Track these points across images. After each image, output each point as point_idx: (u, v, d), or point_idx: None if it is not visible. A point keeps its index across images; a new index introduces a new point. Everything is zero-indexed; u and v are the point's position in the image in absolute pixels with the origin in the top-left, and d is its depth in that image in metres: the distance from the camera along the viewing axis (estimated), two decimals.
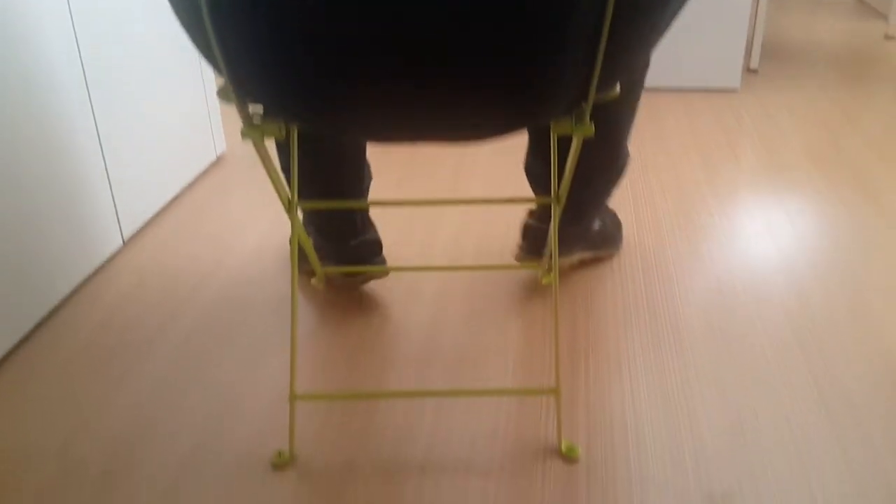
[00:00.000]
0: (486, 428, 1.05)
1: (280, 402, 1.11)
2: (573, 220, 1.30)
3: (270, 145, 1.55)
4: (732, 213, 1.62)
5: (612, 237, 1.43)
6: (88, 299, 1.36)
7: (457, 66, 0.73)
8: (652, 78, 2.38)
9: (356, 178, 1.25)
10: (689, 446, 1.01)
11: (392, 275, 1.41)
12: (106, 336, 1.26)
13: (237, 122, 2.16)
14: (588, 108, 0.83)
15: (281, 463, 1.00)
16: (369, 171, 1.30)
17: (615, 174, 1.29)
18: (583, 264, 1.43)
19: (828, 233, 1.54)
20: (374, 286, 1.37)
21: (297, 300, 1.17)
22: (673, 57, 2.34)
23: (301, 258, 1.40)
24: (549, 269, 1.33)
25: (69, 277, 1.35)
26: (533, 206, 1.37)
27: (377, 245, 1.29)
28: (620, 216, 1.61)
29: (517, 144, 1.96)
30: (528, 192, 1.70)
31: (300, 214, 1.40)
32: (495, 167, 1.86)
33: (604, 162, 1.26)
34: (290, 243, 1.43)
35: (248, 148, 1.99)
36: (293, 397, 0.99)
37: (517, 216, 1.61)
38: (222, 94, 0.86)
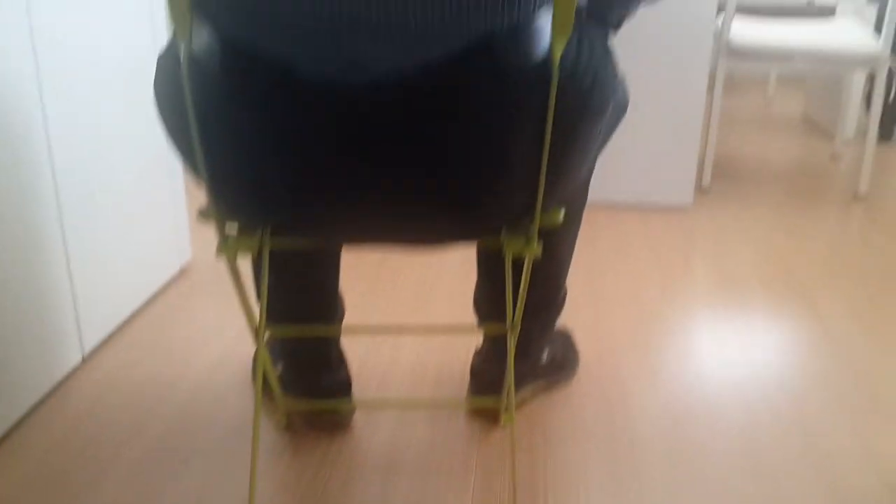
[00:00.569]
0: None
1: None
2: (521, 356, 1.34)
3: (244, 267, 1.55)
4: (687, 333, 1.67)
5: (565, 363, 1.47)
6: (45, 419, 1.35)
7: (411, 184, 0.83)
8: (609, 193, 2.46)
9: (330, 311, 1.28)
10: None
11: (354, 398, 1.42)
12: (60, 458, 1.25)
13: (204, 232, 2.19)
14: (536, 224, 0.92)
15: None
16: (342, 305, 1.33)
17: (557, 307, 1.36)
18: (540, 393, 1.45)
19: (775, 354, 1.59)
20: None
21: (259, 437, 1.17)
22: (628, 174, 2.43)
23: (265, 381, 1.41)
24: (507, 408, 1.36)
25: (28, 395, 1.34)
26: (479, 343, 1.41)
27: (347, 385, 1.31)
28: (577, 335, 1.65)
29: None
30: None
31: (270, 347, 1.41)
32: (459, 280, 1.89)
33: (548, 294, 1.32)
34: (254, 374, 1.44)
35: (214, 258, 2.01)
36: None
37: (477, 337, 1.64)
38: (202, 214, 0.94)
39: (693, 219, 2.36)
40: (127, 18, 1.60)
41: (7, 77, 1.25)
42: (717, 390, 1.47)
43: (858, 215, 2.41)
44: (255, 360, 1.48)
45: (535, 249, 0.92)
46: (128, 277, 1.65)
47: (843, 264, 2.05)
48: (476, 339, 1.64)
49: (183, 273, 1.92)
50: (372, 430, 1.33)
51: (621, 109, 0.98)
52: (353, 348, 1.58)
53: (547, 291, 1.32)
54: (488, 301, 1.32)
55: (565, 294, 1.38)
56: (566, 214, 1.23)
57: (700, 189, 2.63)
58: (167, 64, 0.88)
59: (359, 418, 1.36)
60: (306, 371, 1.29)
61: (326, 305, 1.28)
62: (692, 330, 1.69)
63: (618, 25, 1.05)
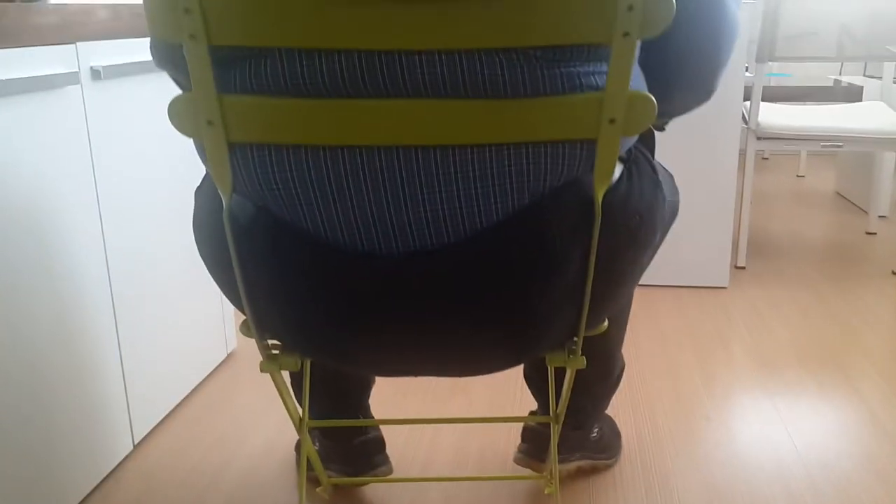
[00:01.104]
0: None
1: None
2: (573, 426, 1.36)
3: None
4: (727, 417, 1.67)
5: (611, 445, 1.47)
6: None
7: (454, 323, 0.82)
8: (647, 276, 2.49)
9: (365, 388, 1.32)
10: None
11: (398, 483, 1.44)
12: None
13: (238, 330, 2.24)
14: (579, 347, 0.91)
15: None
16: (373, 379, 1.36)
17: (612, 383, 1.36)
18: (583, 472, 1.46)
19: (817, 436, 1.58)
20: (379, 492, 1.40)
21: None
22: (665, 256, 2.46)
23: (308, 465, 1.43)
24: (551, 479, 1.37)
25: (81, 485, 1.38)
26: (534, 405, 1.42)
27: (381, 443, 1.34)
28: (619, 420, 1.66)
29: None
30: (529, 394, 1.75)
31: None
32: None
33: (600, 373, 1.33)
34: (299, 463, 1.47)
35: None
36: None
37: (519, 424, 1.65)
38: (244, 328, 0.94)
39: (729, 299, 2.37)
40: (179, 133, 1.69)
41: (67, 189, 1.33)
42: (758, 473, 1.46)
43: (895, 292, 2.41)
44: (296, 449, 1.51)
45: (580, 363, 0.92)
46: (176, 367, 1.71)
47: (883, 343, 2.04)
48: (518, 424, 1.65)
49: (228, 360, 1.98)
50: None
51: (672, 215, 0.98)
52: (396, 432, 1.61)
53: (598, 371, 1.32)
54: (539, 377, 1.34)
55: (622, 369, 1.37)
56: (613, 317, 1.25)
57: (735, 268, 2.65)
58: (203, 202, 0.89)
59: (403, 501, 1.38)
60: (337, 438, 1.32)
61: (359, 381, 1.31)
62: (732, 412, 1.69)
63: (662, 129, 1.07)
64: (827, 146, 2.54)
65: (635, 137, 0.86)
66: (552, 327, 0.86)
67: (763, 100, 3.69)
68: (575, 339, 0.91)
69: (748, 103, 2.62)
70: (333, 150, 0.75)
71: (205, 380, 1.87)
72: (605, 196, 0.80)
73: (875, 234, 3.04)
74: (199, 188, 0.93)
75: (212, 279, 1.84)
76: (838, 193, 3.71)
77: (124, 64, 1.46)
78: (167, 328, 1.66)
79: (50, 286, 1.28)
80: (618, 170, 0.84)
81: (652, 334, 2.11)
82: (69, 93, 1.32)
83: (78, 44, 1.34)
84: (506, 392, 1.79)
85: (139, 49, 1.53)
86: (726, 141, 2.36)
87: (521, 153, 0.74)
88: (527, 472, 1.44)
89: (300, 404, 1.16)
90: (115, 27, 1.44)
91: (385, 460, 1.36)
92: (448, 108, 0.72)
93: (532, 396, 1.44)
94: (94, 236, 1.40)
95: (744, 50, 2.32)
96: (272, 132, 0.75)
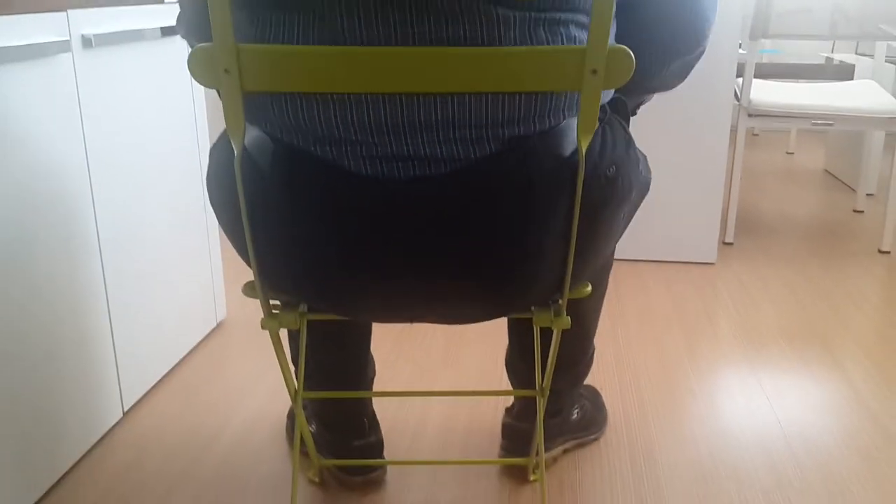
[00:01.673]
0: None
1: None
2: (552, 412, 1.38)
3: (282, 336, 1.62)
4: (712, 392, 1.69)
5: (593, 421, 1.50)
6: (88, 474, 1.39)
7: (447, 273, 0.89)
8: (635, 251, 2.50)
9: (361, 373, 1.33)
10: None
11: (385, 456, 1.45)
12: None
13: (238, 290, 2.25)
14: (564, 304, 0.97)
15: None
16: (374, 366, 1.37)
17: (585, 365, 1.40)
18: (569, 450, 1.48)
19: (800, 411, 1.60)
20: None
21: (297, 499, 1.20)
22: (654, 231, 2.47)
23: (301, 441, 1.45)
24: (537, 465, 1.39)
25: (71, 451, 1.39)
26: (510, 401, 1.45)
27: (379, 448, 1.35)
28: (604, 395, 1.68)
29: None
30: None
31: (304, 406, 1.45)
32: (489, 334, 1.93)
33: (576, 354, 1.36)
34: (290, 436, 1.48)
35: (248, 315, 2.07)
36: None
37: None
38: (248, 289, 0.99)
39: (717, 275, 2.39)
40: (169, 95, 1.68)
41: (58, 156, 1.33)
42: (742, 447, 1.49)
43: (882, 271, 2.43)
44: (288, 417, 1.52)
45: (564, 322, 0.97)
46: (166, 335, 1.71)
47: (868, 321, 2.07)
48: (505, 397, 1.67)
49: (219, 329, 1.98)
50: (404, 488, 1.36)
51: (644, 189, 1.04)
52: (384, 406, 1.62)
53: (574, 351, 1.36)
54: (520, 363, 1.36)
55: (593, 352, 1.41)
56: (593, 281, 1.28)
57: (723, 244, 2.67)
58: (219, 156, 0.94)
59: (391, 476, 1.39)
60: (338, 435, 1.33)
61: (358, 367, 1.33)
62: (717, 387, 1.72)
63: (634, 113, 1.11)
64: (818, 124, 2.55)
65: (608, 97, 0.95)
66: (537, 272, 0.91)
67: (755, 77, 3.69)
68: (560, 299, 0.97)
69: (740, 80, 2.62)
70: (342, 96, 0.82)
71: (195, 348, 1.87)
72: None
73: (862, 212, 3.07)
74: (214, 146, 0.98)
75: (202, 242, 1.84)
76: (827, 171, 3.73)
77: (115, 32, 1.45)
78: (157, 297, 1.66)
79: (39, 254, 1.28)
80: (595, 124, 0.89)
81: (639, 309, 2.13)
82: (60, 61, 1.31)
83: (69, 11, 1.33)
84: (495, 365, 1.81)
85: (130, 17, 1.52)
86: (718, 117, 2.36)
87: (513, 101, 0.83)
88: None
89: (296, 378, 1.17)
90: None
91: (381, 473, 1.37)
92: (448, 56, 0.78)
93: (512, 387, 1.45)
94: (84, 204, 1.40)
95: (737, 27, 2.31)
96: (284, 81, 0.80)
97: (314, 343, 1.28)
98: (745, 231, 2.82)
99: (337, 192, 0.86)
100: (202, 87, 1.86)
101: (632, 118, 1.11)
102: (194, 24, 1.01)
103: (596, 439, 1.51)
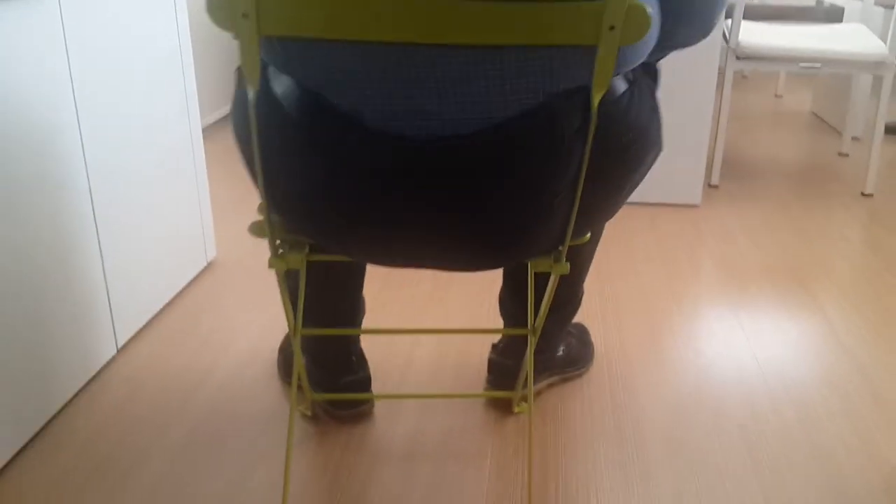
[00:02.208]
0: None
1: None
2: (538, 350, 1.42)
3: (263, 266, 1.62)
4: (693, 330, 1.73)
5: (579, 357, 1.54)
6: (83, 410, 1.43)
7: (456, 225, 0.91)
8: None
9: (353, 312, 1.36)
10: None
11: (374, 391, 1.49)
12: (99, 449, 1.33)
13: (228, 229, 2.26)
14: (564, 252, 0.99)
15: None
16: (363, 306, 1.40)
17: (574, 306, 1.43)
18: (553, 385, 1.52)
19: (779, 350, 1.65)
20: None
21: (294, 431, 1.25)
22: None
23: (290, 373, 1.48)
24: (522, 398, 1.43)
25: (67, 387, 1.42)
26: (497, 338, 1.48)
27: (367, 383, 1.39)
28: (591, 330, 1.72)
29: None
30: None
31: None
32: (474, 276, 1.97)
33: (566, 296, 1.40)
34: (281, 371, 1.52)
35: (238, 255, 2.09)
36: None
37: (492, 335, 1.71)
38: (255, 228, 1.02)
39: (701, 216, 2.42)
40: (156, 33, 1.67)
41: (45, 96, 1.33)
42: (721, 385, 1.53)
43: (864, 213, 2.47)
44: (280, 352, 1.55)
45: (563, 268, 1.00)
46: (158, 274, 1.73)
47: (848, 263, 2.11)
48: (492, 335, 1.71)
49: (209, 268, 2.00)
50: (394, 420, 1.41)
51: (658, 152, 1.05)
52: (374, 344, 1.66)
53: (565, 293, 1.39)
54: (512, 301, 1.39)
55: (582, 294, 1.45)
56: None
57: (708, 187, 2.69)
58: (242, 97, 0.96)
59: (381, 410, 1.44)
60: (329, 371, 1.37)
61: (349, 306, 1.36)
62: (698, 326, 1.76)
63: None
64: (806, 67, 2.56)
65: (641, 59, 0.93)
66: (546, 227, 0.93)
67: (744, 19, 3.67)
68: (560, 247, 0.99)
69: (729, 21, 2.61)
70: (368, 45, 0.83)
71: (186, 287, 1.90)
72: (606, 107, 0.88)
73: (847, 155, 3.09)
74: (237, 85, 0.99)
75: (192, 182, 1.85)
76: (814, 114, 3.74)
77: None
78: (147, 237, 1.68)
79: (28, 195, 1.29)
80: (623, 86, 0.91)
81: (623, 250, 2.16)
82: (45, 2, 1.30)
83: None
84: (481, 303, 1.84)
85: None
86: (705, 59, 2.36)
87: (535, 56, 0.83)
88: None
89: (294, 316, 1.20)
90: None
91: (369, 407, 1.41)
92: (471, 9, 0.79)
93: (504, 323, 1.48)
94: (73, 146, 1.40)
95: None
96: (301, 25, 0.81)
97: (308, 281, 1.30)
98: (730, 173, 2.84)
99: (357, 148, 0.86)
100: (188, 25, 1.84)
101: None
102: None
103: (580, 374, 1.55)
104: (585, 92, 0.86)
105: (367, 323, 1.75)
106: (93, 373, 1.50)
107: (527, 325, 1.38)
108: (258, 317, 1.77)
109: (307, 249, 1.07)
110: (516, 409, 1.43)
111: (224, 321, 1.74)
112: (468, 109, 0.84)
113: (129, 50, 1.56)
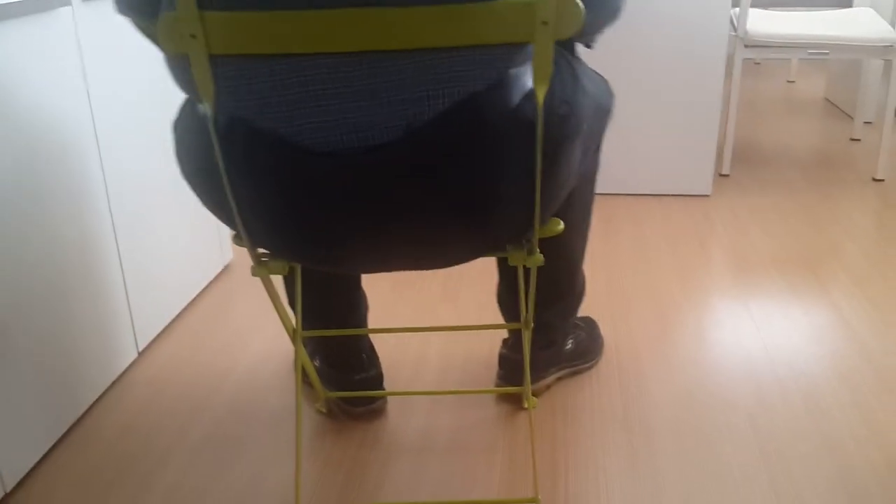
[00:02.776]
0: None
1: None
2: (544, 345, 1.45)
3: (277, 280, 1.68)
4: (702, 319, 1.76)
5: (588, 350, 1.56)
6: (107, 411, 1.48)
7: (416, 226, 0.93)
8: (629, 185, 2.54)
9: (354, 309, 1.39)
10: None
11: (387, 388, 1.53)
12: (121, 451, 1.37)
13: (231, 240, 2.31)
14: (535, 243, 1.02)
15: None
16: (365, 300, 1.44)
17: (575, 298, 1.46)
18: (562, 378, 1.55)
19: (788, 338, 1.67)
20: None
21: (303, 426, 1.28)
22: (646, 164, 2.51)
23: (305, 376, 1.53)
24: (533, 393, 1.46)
25: (91, 390, 1.47)
26: (507, 333, 1.52)
27: (379, 380, 1.43)
28: (600, 322, 1.74)
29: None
30: None
31: (306, 343, 1.53)
32: (485, 271, 2.00)
33: (563, 287, 1.42)
34: (295, 372, 1.56)
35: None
36: None
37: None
38: (236, 239, 1.04)
39: (712, 206, 2.44)
40: None
41: (62, 107, 1.37)
42: (730, 374, 1.56)
43: (875, 199, 2.47)
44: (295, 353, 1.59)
45: (538, 260, 1.02)
46: (175, 279, 1.78)
47: (859, 250, 2.12)
48: (503, 330, 1.74)
49: (225, 271, 2.05)
50: (405, 416, 1.44)
51: (603, 114, 1.07)
52: (385, 342, 1.70)
53: (561, 286, 1.41)
54: (508, 297, 1.43)
55: (583, 284, 1.47)
56: (575, 212, 1.32)
57: (719, 176, 2.70)
58: (183, 127, 0.97)
59: (392, 406, 1.47)
60: (340, 370, 1.41)
61: (347, 304, 1.39)
62: (708, 316, 1.78)
63: (590, 45, 1.14)
64: (814, 53, 2.56)
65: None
66: (507, 214, 0.95)
67: (751, 6, 3.66)
68: (531, 238, 1.02)
69: (736, 10, 2.61)
70: (296, 60, 0.84)
71: (203, 291, 1.94)
72: (532, 92, 0.89)
73: (859, 140, 3.09)
74: (175, 121, 1.01)
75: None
76: (827, 99, 3.73)
77: None
78: (165, 242, 1.72)
79: (48, 205, 1.34)
80: None
81: (632, 241, 2.19)
82: (61, 15, 1.34)
83: None
84: (491, 301, 1.87)
85: None
86: (713, 48, 2.37)
87: (462, 57, 0.84)
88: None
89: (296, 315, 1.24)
90: None
91: (382, 403, 1.45)
92: (401, 16, 0.81)
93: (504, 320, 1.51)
94: (91, 155, 1.45)
95: None
96: (249, 43, 0.84)
97: (307, 285, 1.34)
98: (741, 162, 2.85)
99: (296, 171, 0.88)
100: None
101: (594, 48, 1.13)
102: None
103: (590, 368, 1.58)
104: (506, 84, 0.87)
105: (378, 322, 1.78)
106: (116, 376, 1.55)
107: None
108: (274, 318, 1.81)
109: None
110: (526, 405, 1.46)
111: (241, 323, 1.79)
112: (399, 115, 0.86)
113: (143, 61, 1.61)
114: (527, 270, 1.38)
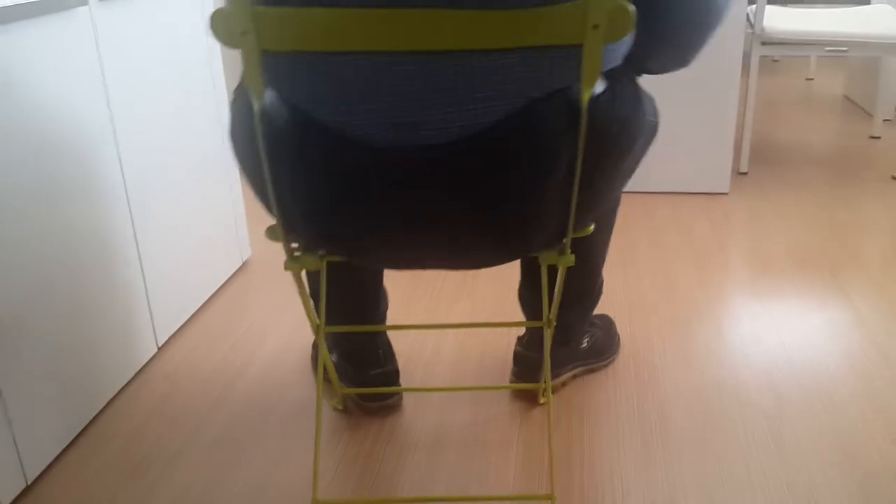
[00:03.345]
0: None
1: None
2: (561, 342, 1.45)
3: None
4: (719, 317, 1.75)
5: (604, 349, 1.56)
6: (127, 405, 1.49)
7: (458, 228, 0.94)
8: (647, 183, 2.54)
9: (375, 305, 1.40)
10: None
11: (402, 384, 1.54)
12: (140, 444, 1.39)
13: (263, 229, 2.32)
14: (567, 245, 1.03)
15: None
16: (386, 298, 1.45)
17: (594, 297, 1.46)
18: (578, 375, 1.55)
19: (805, 336, 1.66)
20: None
21: (321, 421, 1.29)
22: (664, 162, 2.50)
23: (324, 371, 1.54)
24: (546, 390, 1.47)
25: (110, 385, 1.49)
26: (523, 331, 1.52)
27: (395, 376, 1.44)
28: (617, 320, 1.74)
29: None
30: None
31: (325, 338, 1.54)
32: (499, 271, 2.00)
33: (585, 287, 1.43)
34: (317, 365, 1.57)
35: (271, 255, 2.15)
36: (315, 503, 1.12)
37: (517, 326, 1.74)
38: (270, 233, 1.05)
39: (729, 205, 2.43)
40: (186, 41, 1.73)
41: (81, 107, 1.39)
42: (746, 372, 1.55)
43: (894, 198, 2.45)
44: (313, 347, 1.61)
45: (569, 260, 1.03)
46: (194, 274, 1.79)
47: (877, 249, 2.10)
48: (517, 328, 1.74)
49: (243, 268, 2.06)
50: (421, 412, 1.45)
51: (650, 136, 1.08)
52: (401, 338, 1.70)
53: (582, 286, 1.42)
54: (530, 295, 1.43)
55: (601, 285, 1.47)
56: (599, 219, 1.33)
57: (737, 174, 2.69)
58: (239, 110, 0.99)
59: (408, 402, 1.48)
60: (357, 365, 1.42)
61: (371, 300, 1.40)
62: (724, 314, 1.77)
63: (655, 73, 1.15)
64: (832, 51, 2.54)
65: (620, 58, 0.96)
66: (543, 223, 0.96)
67: (768, 3, 3.64)
68: (564, 240, 1.02)
69: (753, 7, 2.60)
70: (357, 56, 0.85)
71: (222, 287, 1.96)
72: (590, 105, 0.90)
73: (879, 138, 3.06)
74: (233, 101, 1.02)
75: (225, 185, 1.90)
76: (846, 97, 3.70)
77: None
78: (184, 240, 1.74)
79: (68, 203, 1.35)
80: (603, 85, 0.94)
81: (650, 239, 2.18)
82: (78, 14, 1.36)
83: None
84: (507, 298, 1.87)
85: None
86: (730, 45, 2.36)
87: (520, 60, 0.85)
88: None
89: (318, 313, 1.25)
90: None
91: (398, 399, 1.46)
92: (457, 17, 0.82)
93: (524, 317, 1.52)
94: (109, 153, 1.46)
95: None
96: (301, 40, 0.85)
97: (330, 281, 1.35)
98: (760, 160, 2.84)
99: (348, 165, 0.89)
100: None
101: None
102: None
103: (606, 365, 1.58)
104: (566, 93, 0.88)
105: (395, 318, 1.79)
106: (135, 371, 1.57)
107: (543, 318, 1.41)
108: (292, 314, 1.82)
109: (322, 251, 1.11)
110: (542, 401, 1.46)
111: (259, 319, 1.80)
112: (455, 117, 0.87)
113: (160, 58, 1.62)
114: (551, 270, 1.38)
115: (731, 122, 2.44)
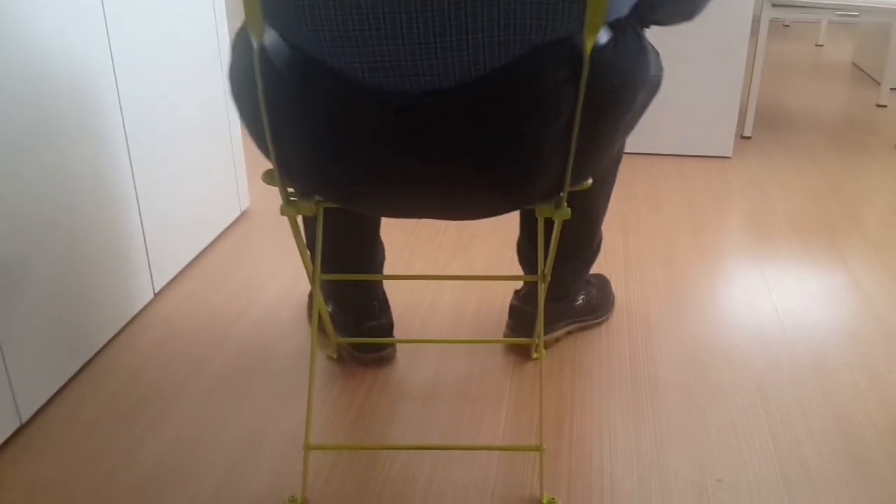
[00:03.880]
0: (477, 479, 1.18)
1: (295, 451, 1.24)
2: (556, 297, 1.46)
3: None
4: (715, 279, 1.76)
5: (599, 306, 1.57)
6: (123, 348, 1.50)
7: (457, 175, 0.93)
8: (650, 144, 2.52)
9: (371, 256, 1.41)
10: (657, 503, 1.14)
11: (397, 336, 1.55)
12: (134, 388, 1.40)
13: (261, 180, 2.32)
14: (564, 198, 1.02)
15: None
16: (383, 250, 1.45)
17: (591, 254, 1.46)
18: (571, 332, 1.56)
19: (799, 301, 1.67)
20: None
21: (315, 368, 1.30)
22: (668, 123, 2.49)
23: (319, 320, 1.54)
24: (538, 345, 1.47)
25: (105, 329, 1.50)
26: (519, 285, 1.52)
27: (389, 328, 1.44)
28: (613, 280, 1.75)
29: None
30: None
31: (322, 287, 1.54)
32: (498, 223, 2.00)
33: (582, 243, 1.43)
34: (311, 313, 1.58)
35: (270, 204, 2.15)
36: (308, 447, 1.13)
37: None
38: (267, 176, 1.04)
39: (732, 168, 2.42)
40: None
41: (82, 51, 1.37)
42: (738, 334, 1.56)
43: None
44: (309, 297, 1.61)
45: (565, 213, 1.02)
46: (192, 222, 1.79)
47: (877, 216, 2.10)
48: (514, 282, 1.74)
49: (243, 217, 2.06)
50: (415, 363, 1.46)
51: (653, 89, 1.06)
52: (399, 290, 1.71)
53: (580, 241, 1.42)
54: (528, 248, 1.43)
55: (600, 241, 1.47)
56: (599, 175, 1.32)
57: (741, 138, 2.68)
58: (240, 51, 0.98)
59: (403, 354, 1.49)
60: (352, 316, 1.42)
61: (367, 250, 1.40)
62: (721, 278, 1.78)
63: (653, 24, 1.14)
64: (843, 15, 2.51)
65: (627, 7, 0.95)
66: (541, 174, 0.95)
67: None
68: (561, 193, 1.02)
69: None
70: (359, 1, 0.84)
71: (221, 235, 1.96)
72: (592, 55, 0.89)
73: (885, 106, 3.04)
74: (234, 43, 1.01)
75: (225, 133, 1.90)
76: (855, 64, 3.67)
77: None
78: (183, 187, 1.74)
79: (67, 146, 1.35)
80: (607, 35, 0.92)
81: (650, 201, 2.18)
82: None
83: None
84: (505, 252, 1.88)
85: None
86: (738, 7, 2.34)
87: (524, 5, 0.84)
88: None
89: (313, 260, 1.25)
90: None
91: (392, 351, 1.46)
92: None
93: (521, 270, 1.52)
94: (110, 97, 1.45)
95: None
96: None
97: (325, 227, 1.35)
98: (764, 125, 2.82)
99: (349, 107, 0.89)
100: None
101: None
102: None
103: (600, 323, 1.58)
104: (569, 43, 0.87)
105: (392, 270, 1.80)
106: (131, 315, 1.58)
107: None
108: (289, 263, 1.83)
109: (318, 196, 1.10)
110: (534, 356, 1.47)
111: (257, 267, 1.81)
112: (456, 61, 0.86)
113: (163, 4, 1.60)
114: (548, 223, 1.38)
115: (738, 85, 2.42)
